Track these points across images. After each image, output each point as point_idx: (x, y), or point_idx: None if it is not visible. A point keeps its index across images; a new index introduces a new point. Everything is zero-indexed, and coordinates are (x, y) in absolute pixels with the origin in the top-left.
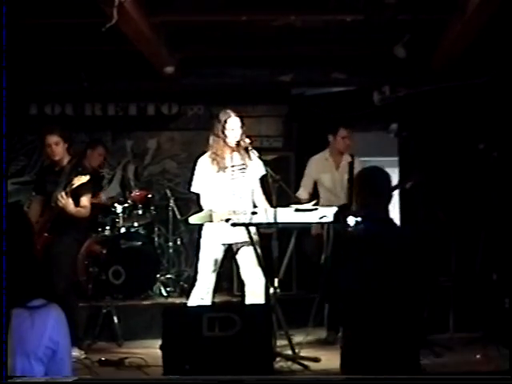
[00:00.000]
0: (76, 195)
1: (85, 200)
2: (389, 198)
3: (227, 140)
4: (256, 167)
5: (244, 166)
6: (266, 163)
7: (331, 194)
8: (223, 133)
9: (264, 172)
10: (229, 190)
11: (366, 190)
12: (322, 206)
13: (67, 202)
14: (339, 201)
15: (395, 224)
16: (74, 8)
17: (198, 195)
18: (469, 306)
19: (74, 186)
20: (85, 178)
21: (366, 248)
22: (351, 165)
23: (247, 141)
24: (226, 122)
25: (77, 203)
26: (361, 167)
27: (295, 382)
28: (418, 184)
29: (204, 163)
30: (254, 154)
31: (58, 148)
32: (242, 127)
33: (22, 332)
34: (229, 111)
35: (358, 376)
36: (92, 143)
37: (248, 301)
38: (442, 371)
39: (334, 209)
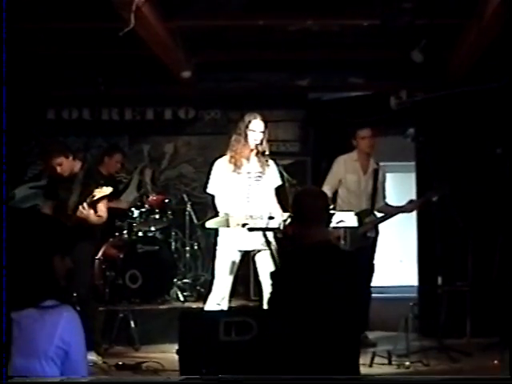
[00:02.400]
0: (93, 202)
1: (102, 206)
2: (319, 221)
3: (247, 140)
4: (273, 176)
5: (260, 174)
6: (282, 167)
7: (354, 196)
8: (245, 133)
9: (280, 182)
10: (244, 195)
11: (296, 216)
12: (341, 207)
13: (89, 213)
14: (360, 204)
15: (330, 247)
16: (91, 13)
17: (213, 197)
18: (486, 312)
19: (96, 198)
20: (107, 190)
21: (300, 275)
22: (376, 172)
23: (266, 146)
24: (249, 122)
25: (94, 211)
26: (384, 177)
27: (296, 382)
28: (443, 196)
29: (221, 164)
30: (272, 162)
31: (63, 167)
32: (264, 132)
33: (33, 332)
34: (255, 114)
35: (361, 376)
36: (110, 150)
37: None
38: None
39: (351, 214)
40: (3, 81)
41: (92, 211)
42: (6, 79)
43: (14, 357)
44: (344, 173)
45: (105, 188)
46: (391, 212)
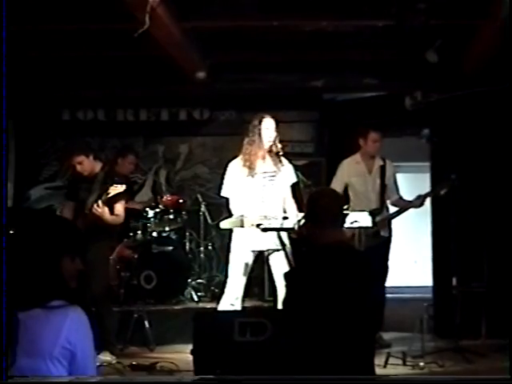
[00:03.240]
0: (110, 203)
1: (119, 207)
2: (334, 222)
3: (261, 141)
4: (287, 174)
5: (275, 174)
6: (297, 168)
7: (363, 197)
8: (258, 134)
9: (295, 180)
10: (258, 196)
11: (310, 216)
12: (353, 210)
13: (103, 210)
14: (371, 205)
15: (344, 248)
16: (106, 14)
17: (227, 199)
18: (501, 313)
19: (110, 196)
20: (121, 188)
21: (313, 275)
22: (383, 169)
23: (279, 146)
24: (260, 122)
25: (111, 211)
26: (393, 171)
27: (297, 382)
28: (452, 189)
29: (235, 167)
30: (287, 161)
31: (83, 166)
32: (276, 130)
33: (38, 332)
34: (265, 114)
35: (364, 376)
36: (123, 152)
37: (280, 305)
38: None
39: (365, 214)
40: (3, 80)
41: (107, 209)
42: (8, 79)
43: (19, 357)
44: (348, 177)
45: (119, 186)
46: (403, 206)
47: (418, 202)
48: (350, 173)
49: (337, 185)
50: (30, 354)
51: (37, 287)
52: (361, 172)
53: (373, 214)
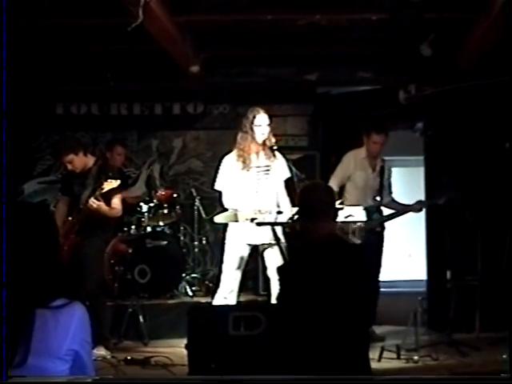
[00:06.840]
0: (106, 197)
1: (116, 201)
2: (325, 215)
3: (255, 136)
4: (281, 169)
5: (269, 168)
6: (291, 162)
7: (361, 192)
8: (251, 129)
9: (289, 174)
10: (252, 189)
11: (302, 210)
12: (349, 203)
13: (99, 205)
14: (366, 200)
15: (336, 241)
16: (99, 8)
17: (220, 193)
18: (495, 306)
19: (104, 191)
20: (115, 183)
21: (307, 268)
22: (382, 169)
23: (273, 140)
24: (254, 117)
25: (107, 205)
26: (390, 173)
27: (297, 381)
28: (451, 200)
29: (229, 161)
30: (280, 155)
31: (73, 164)
32: (269, 125)
33: (46, 332)
34: (258, 108)
35: (363, 376)
36: (109, 145)
37: (274, 300)
38: (467, 371)
39: (360, 208)
40: (3, 81)
41: (102, 203)
42: (9, 77)
43: (28, 357)
44: (353, 169)
45: (113, 181)
46: (399, 210)
47: (418, 207)
48: (356, 165)
49: (340, 174)
50: (38, 353)
51: (41, 287)
52: (366, 167)
53: (367, 210)
